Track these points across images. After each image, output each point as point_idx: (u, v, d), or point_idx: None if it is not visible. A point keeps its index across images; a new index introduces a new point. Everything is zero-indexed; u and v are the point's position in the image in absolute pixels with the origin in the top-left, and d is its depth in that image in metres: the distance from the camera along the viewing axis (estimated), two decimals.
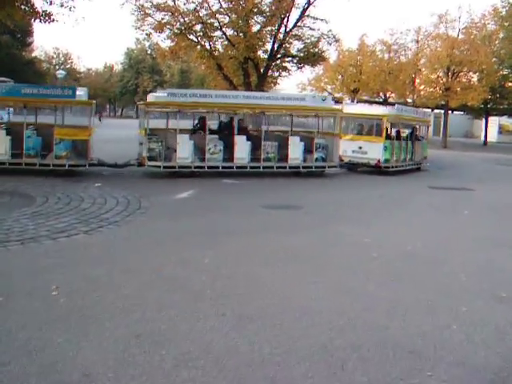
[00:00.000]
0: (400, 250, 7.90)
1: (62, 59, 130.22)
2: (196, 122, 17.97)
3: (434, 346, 4.59)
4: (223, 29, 24.50)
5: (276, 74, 28.52)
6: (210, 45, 24.94)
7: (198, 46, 24.78)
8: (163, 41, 24.93)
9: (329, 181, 16.89)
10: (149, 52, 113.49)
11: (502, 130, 60.07)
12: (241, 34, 23.83)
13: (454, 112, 49.54)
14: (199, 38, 24.62)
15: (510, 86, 42.57)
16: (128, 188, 12.87)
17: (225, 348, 4.43)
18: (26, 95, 15.16)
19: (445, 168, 23.35)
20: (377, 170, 18.84)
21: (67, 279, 5.99)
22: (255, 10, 23.47)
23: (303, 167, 17.18)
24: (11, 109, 21.76)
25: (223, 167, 16.32)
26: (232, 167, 16.35)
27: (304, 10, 25.44)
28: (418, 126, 22.26)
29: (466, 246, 8.52)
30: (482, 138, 49.13)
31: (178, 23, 23.64)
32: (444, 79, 39.75)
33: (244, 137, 16.67)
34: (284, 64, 27.92)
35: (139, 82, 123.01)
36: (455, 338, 4.80)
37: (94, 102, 16.74)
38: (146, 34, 25.25)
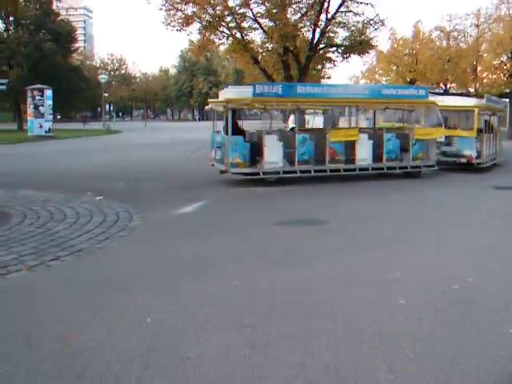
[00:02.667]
0: (443, 295, 5.50)
1: (117, 65, 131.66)
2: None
3: None
4: (257, 18, 22.36)
5: (319, 66, 25.98)
6: (242, 36, 22.82)
7: (230, 39, 22.70)
8: (189, 35, 22.41)
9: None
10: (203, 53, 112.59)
11: None
12: (272, 23, 21.63)
13: None
14: (231, 30, 22.55)
15: None
16: (129, 200, 11.10)
17: None
18: (385, 96, 15.09)
19: None
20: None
21: None
22: None
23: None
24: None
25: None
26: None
27: None
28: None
29: None
30: None
31: (208, 15, 21.65)
32: (508, 64, 36.58)
33: None
34: (328, 54, 25.51)
35: (194, 84, 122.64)
36: None
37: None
38: (177, 30, 23.33)
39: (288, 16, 22.61)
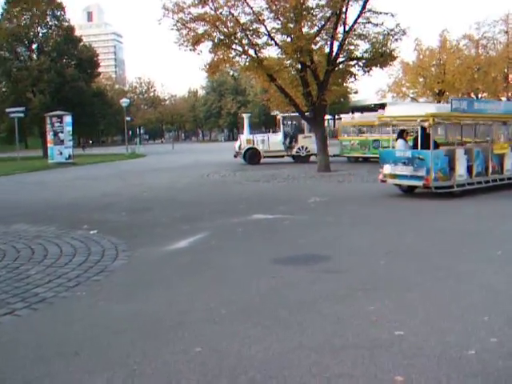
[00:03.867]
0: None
1: (145, 88, 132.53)
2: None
3: None
4: (271, 34, 21.32)
5: (339, 80, 24.73)
6: (256, 53, 21.79)
7: (243, 56, 21.69)
8: (199, 54, 21.37)
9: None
10: (230, 73, 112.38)
11: None
12: (289, 38, 20.55)
13: None
14: (244, 47, 21.55)
15: None
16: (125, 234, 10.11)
17: None
18: None
19: None
20: None
21: None
22: (301, 7, 20.01)
23: None
24: None
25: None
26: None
27: (365, 3, 21.79)
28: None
29: None
30: None
31: (218, 33, 20.70)
32: None
33: None
34: (348, 68, 24.27)
35: (222, 104, 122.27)
36: None
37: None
38: (190, 50, 22.43)
39: (304, 30, 21.52)
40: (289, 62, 21.65)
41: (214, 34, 20.93)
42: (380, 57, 23.10)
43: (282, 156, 31.41)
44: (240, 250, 8.80)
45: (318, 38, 22.27)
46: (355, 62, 23.81)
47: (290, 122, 32.25)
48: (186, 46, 21.18)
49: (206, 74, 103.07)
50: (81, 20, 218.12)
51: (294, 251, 8.48)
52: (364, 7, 21.77)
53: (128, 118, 43.60)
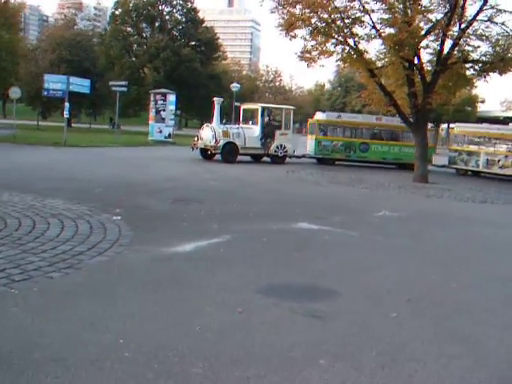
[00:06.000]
0: None
1: (272, 76, 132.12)
2: None
3: None
4: (375, 25, 19.28)
5: (449, 84, 22.15)
6: (355, 44, 19.85)
7: (340, 46, 19.81)
8: (292, 39, 19.73)
9: None
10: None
11: None
12: (393, 30, 18.45)
13: None
14: (345, 36, 19.67)
15: None
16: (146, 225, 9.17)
17: None
18: None
19: None
20: None
21: None
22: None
23: None
24: None
25: None
26: None
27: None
28: None
29: None
30: None
31: (316, 18, 18.97)
32: None
33: None
34: (461, 71, 21.68)
35: (347, 101, 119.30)
36: None
37: None
38: (292, 36, 20.91)
39: (418, 25, 19.29)
40: (392, 57, 19.37)
41: (313, 19, 19.20)
42: (500, 61, 20.41)
43: (260, 155, 26.88)
44: (237, 266, 7.19)
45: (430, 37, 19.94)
46: (470, 64, 21.24)
47: (268, 115, 27.73)
48: (281, 30, 19.64)
49: (335, 69, 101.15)
50: (222, 5, 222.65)
51: (298, 278, 6.78)
52: (485, 2, 19.17)
53: (237, 104, 42.63)
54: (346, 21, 19.08)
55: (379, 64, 20.35)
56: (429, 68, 21.22)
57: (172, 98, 36.32)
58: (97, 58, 53.97)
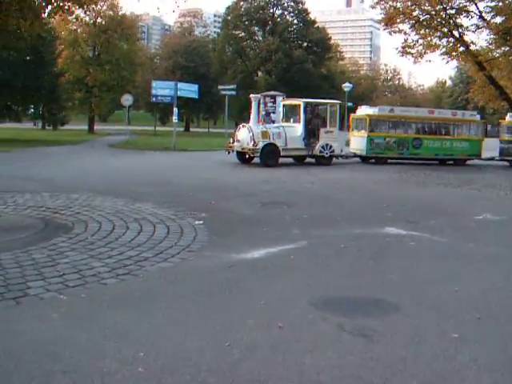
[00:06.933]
0: None
1: (390, 75, 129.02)
2: None
3: None
4: (483, 14, 18.01)
5: None
6: (460, 35, 18.65)
7: (444, 40, 18.67)
8: (392, 34, 18.85)
9: None
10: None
11: None
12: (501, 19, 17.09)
13: None
14: (450, 28, 18.53)
15: None
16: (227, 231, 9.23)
17: None
18: None
19: None
20: None
21: None
22: None
23: None
24: None
25: None
26: None
27: None
28: None
29: None
30: None
31: (418, 11, 18.01)
32: None
33: None
34: None
35: (469, 97, 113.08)
36: None
37: None
38: (393, 31, 20.09)
39: None
40: (501, 47, 18.02)
41: (415, 12, 18.27)
42: None
43: (303, 157, 24.10)
44: (300, 275, 6.77)
45: None
46: None
47: (311, 112, 24.27)
48: (382, 25, 18.87)
49: (456, 64, 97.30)
50: (340, 5, 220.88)
51: (361, 289, 6.25)
52: None
53: (350, 104, 41.80)
54: (450, 11, 17.91)
55: (490, 56, 18.92)
56: None
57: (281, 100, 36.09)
58: (212, 63, 55.27)
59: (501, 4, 17.22)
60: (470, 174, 21.74)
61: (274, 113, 35.99)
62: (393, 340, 4.75)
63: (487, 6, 17.91)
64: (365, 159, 26.39)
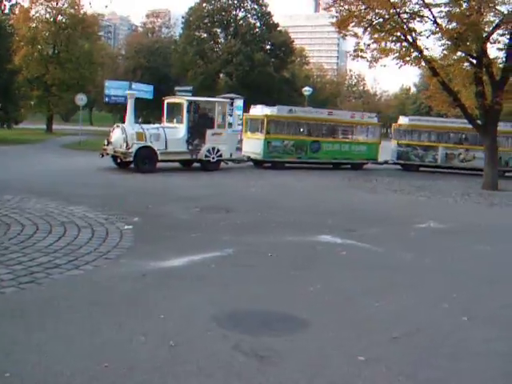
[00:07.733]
0: None
1: (355, 81, 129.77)
2: None
3: None
4: (437, 20, 17.88)
5: None
6: (413, 40, 18.50)
7: (398, 44, 18.50)
8: (344, 38, 18.75)
9: None
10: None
11: None
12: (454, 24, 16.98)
13: None
14: (404, 33, 18.37)
15: None
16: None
17: None
18: None
19: None
20: None
21: None
22: None
23: None
24: None
25: None
26: None
27: None
28: None
29: None
30: None
31: (372, 14, 17.81)
32: None
33: None
34: None
35: (432, 105, 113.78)
36: None
37: None
38: (345, 34, 19.91)
39: (481, 17, 17.71)
40: (452, 53, 17.93)
41: (368, 16, 18.07)
42: None
43: (184, 161, 21.63)
44: (211, 287, 6.34)
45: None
46: None
47: (195, 111, 21.14)
48: (335, 27, 18.69)
49: (420, 71, 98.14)
50: (309, 10, 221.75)
51: (274, 304, 5.84)
52: None
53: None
54: (404, 16, 17.75)
55: (443, 62, 18.80)
56: (500, 65, 19.41)
57: (239, 102, 35.74)
58: (173, 64, 54.65)
59: (457, 10, 17.13)
60: (424, 181, 21.64)
61: (230, 115, 35.64)
62: (290, 362, 4.35)
63: (441, 11, 17.82)
64: (259, 163, 24.49)
